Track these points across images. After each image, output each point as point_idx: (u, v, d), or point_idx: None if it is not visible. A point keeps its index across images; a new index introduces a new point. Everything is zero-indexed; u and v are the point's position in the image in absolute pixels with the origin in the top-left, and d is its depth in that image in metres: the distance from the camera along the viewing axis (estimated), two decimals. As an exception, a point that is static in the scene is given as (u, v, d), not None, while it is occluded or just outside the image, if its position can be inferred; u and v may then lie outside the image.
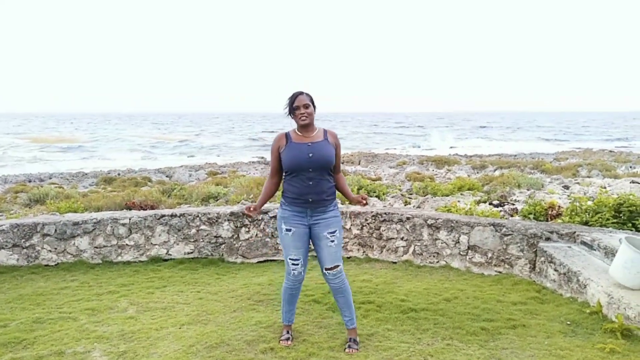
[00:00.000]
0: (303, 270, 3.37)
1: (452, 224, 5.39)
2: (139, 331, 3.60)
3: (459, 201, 13.40)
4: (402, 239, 5.63)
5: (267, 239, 5.82)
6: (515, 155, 34.65)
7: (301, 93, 3.24)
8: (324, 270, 3.34)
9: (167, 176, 23.30)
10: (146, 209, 10.81)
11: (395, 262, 5.59)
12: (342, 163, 31.73)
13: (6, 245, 5.23)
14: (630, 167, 23.08)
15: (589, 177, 20.50)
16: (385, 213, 5.72)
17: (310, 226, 3.31)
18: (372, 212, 5.78)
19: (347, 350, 3.29)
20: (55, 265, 5.37)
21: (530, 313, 3.98)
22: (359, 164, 30.80)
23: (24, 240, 5.30)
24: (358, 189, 13.77)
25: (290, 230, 3.29)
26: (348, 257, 5.80)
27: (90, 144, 53.20)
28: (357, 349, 3.29)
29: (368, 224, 5.78)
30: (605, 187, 15.07)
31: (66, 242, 5.44)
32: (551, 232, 5.04)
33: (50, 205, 11.91)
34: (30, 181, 22.75)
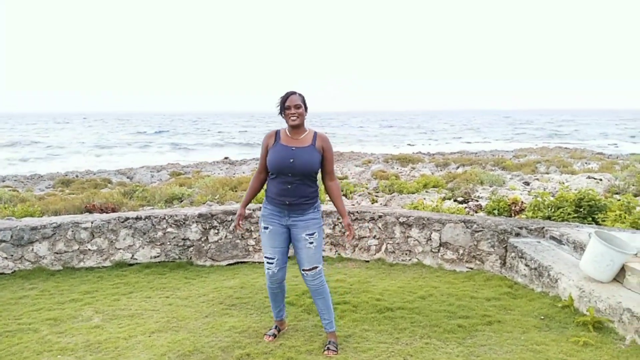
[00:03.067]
0: (278, 270, 3.32)
1: (424, 222, 5.40)
2: (105, 341, 3.41)
3: (424, 198, 13.57)
4: (374, 237, 5.60)
5: (237, 241, 5.68)
6: (477, 153, 35.48)
7: (294, 93, 3.20)
8: (302, 271, 3.29)
9: (127, 177, 22.62)
10: (107, 212, 10.43)
11: (368, 261, 5.56)
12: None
13: (-43, 254, 4.90)
14: (586, 163, 23.96)
15: (547, 173, 21.19)
16: (357, 212, 5.68)
17: (289, 227, 3.27)
18: (343, 211, 5.73)
19: (325, 352, 3.22)
20: (12, 273, 5.06)
21: (505, 308, 4.01)
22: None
23: (-24, 247, 4.98)
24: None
25: (267, 228, 3.29)
26: (320, 257, 5.72)
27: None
28: (336, 352, 3.23)
29: (340, 222, 5.72)
30: (564, 183, 15.60)
31: (24, 248, 5.14)
32: (520, 228, 5.12)
33: (5, 210, 11.33)
34: (-20, 184, 21.64)
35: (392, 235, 5.52)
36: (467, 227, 5.22)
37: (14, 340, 3.44)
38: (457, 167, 25.17)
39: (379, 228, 5.58)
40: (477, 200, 14.06)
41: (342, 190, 14.39)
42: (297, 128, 3.24)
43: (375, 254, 5.60)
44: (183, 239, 5.62)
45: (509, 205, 9.60)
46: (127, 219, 5.51)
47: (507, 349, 3.26)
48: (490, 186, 17.55)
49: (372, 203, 13.79)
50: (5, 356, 3.21)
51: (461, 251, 5.24)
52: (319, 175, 3.38)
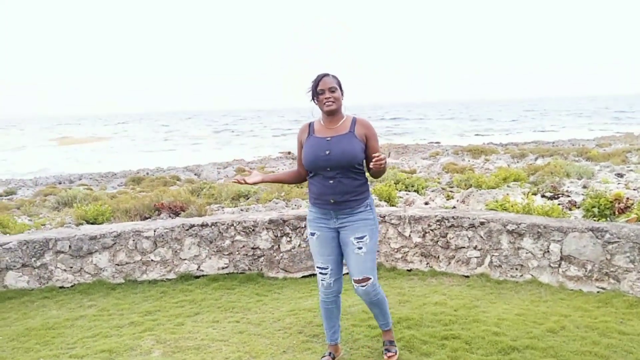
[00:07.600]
0: (334, 281, 2.97)
1: (539, 230, 4.43)
2: (166, 385, 2.82)
3: (508, 194, 12.33)
4: (475, 247, 4.71)
5: (313, 250, 4.98)
6: (554, 143, 32.99)
7: (327, 75, 2.84)
8: (353, 283, 2.91)
9: (195, 174, 22.77)
10: (176, 211, 10.18)
11: (467, 276, 4.68)
12: (373, 155, 30.43)
13: (14, 266, 4.53)
14: (688, 151, 21.37)
15: (642, 163, 19.00)
16: (452, 217, 4.80)
17: (338, 230, 2.92)
18: (435, 216, 4.88)
19: (387, 355, 3.01)
20: (72, 286, 4.65)
21: (674, 352, 3.03)
22: (389, 156, 29.69)
23: (34, 259, 4.59)
24: (395, 183, 12.85)
25: (314, 234, 2.97)
26: (409, 270, 4.92)
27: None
28: (396, 355, 3.02)
29: (432, 230, 4.87)
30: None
31: (83, 259, 4.71)
32: (669, 239, 4.05)
33: (78, 209, 11.40)
34: (60, 183, 22.53)
35: (497, 246, 4.60)
36: (597, 237, 4.21)
37: (62, 381, 2.91)
38: (536, 159, 23.33)
39: (481, 237, 4.67)
40: (569, 196, 12.66)
41: (413, 186, 13.63)
42: (333, 115, 2.88)
43: (476, 268, 4.70)
44: (253, 248, 5.00)
45: (611, 202, 8.31)
46: (192, 226, 4.96)
47: None
48: (579, 179, 15.89)
49: (448, 199, 12.73)
50: (52, 401, 2.68)
51: (589, 267, 4.24)
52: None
